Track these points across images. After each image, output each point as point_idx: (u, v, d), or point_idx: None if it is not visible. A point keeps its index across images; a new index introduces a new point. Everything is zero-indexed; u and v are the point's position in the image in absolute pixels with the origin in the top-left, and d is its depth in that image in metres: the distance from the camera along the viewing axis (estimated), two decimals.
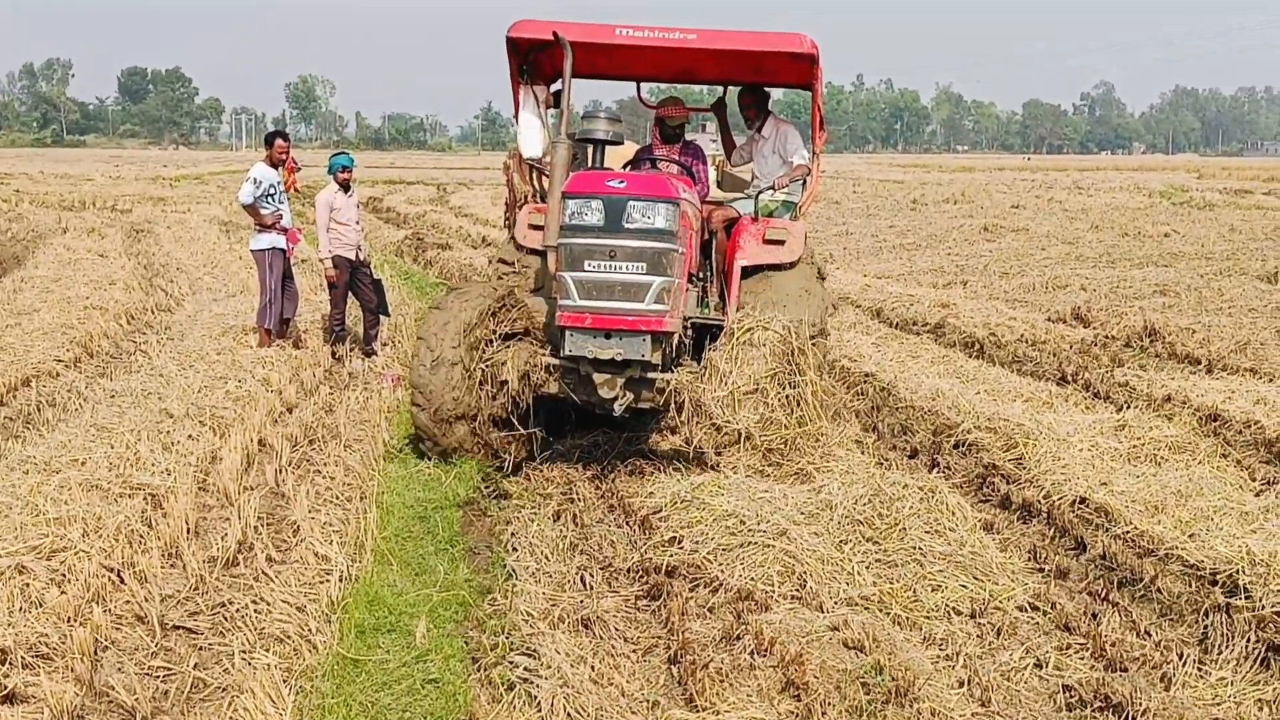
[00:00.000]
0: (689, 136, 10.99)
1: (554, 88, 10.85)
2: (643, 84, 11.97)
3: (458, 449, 9.06)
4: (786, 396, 8.66)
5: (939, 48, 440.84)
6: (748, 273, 9.77)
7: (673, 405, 8.77)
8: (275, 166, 13.05)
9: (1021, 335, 14.75)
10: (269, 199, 12.86)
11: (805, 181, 10.37)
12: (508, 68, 10.19)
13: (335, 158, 13.46)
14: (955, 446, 9.78)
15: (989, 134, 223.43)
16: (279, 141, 13.23)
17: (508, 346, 9.07)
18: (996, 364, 13.24)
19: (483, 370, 8.98)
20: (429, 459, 9.18)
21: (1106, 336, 14.65)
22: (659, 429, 9.98)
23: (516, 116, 10.52)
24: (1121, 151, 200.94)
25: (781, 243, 9.75)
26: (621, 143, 9.99)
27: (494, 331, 9.13)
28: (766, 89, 11.02)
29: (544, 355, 9.08)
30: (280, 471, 8.80)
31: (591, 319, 8.58)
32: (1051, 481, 8.53)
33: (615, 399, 8.89)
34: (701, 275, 9.95)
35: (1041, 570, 7.21)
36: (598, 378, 8.81)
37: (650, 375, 8.83)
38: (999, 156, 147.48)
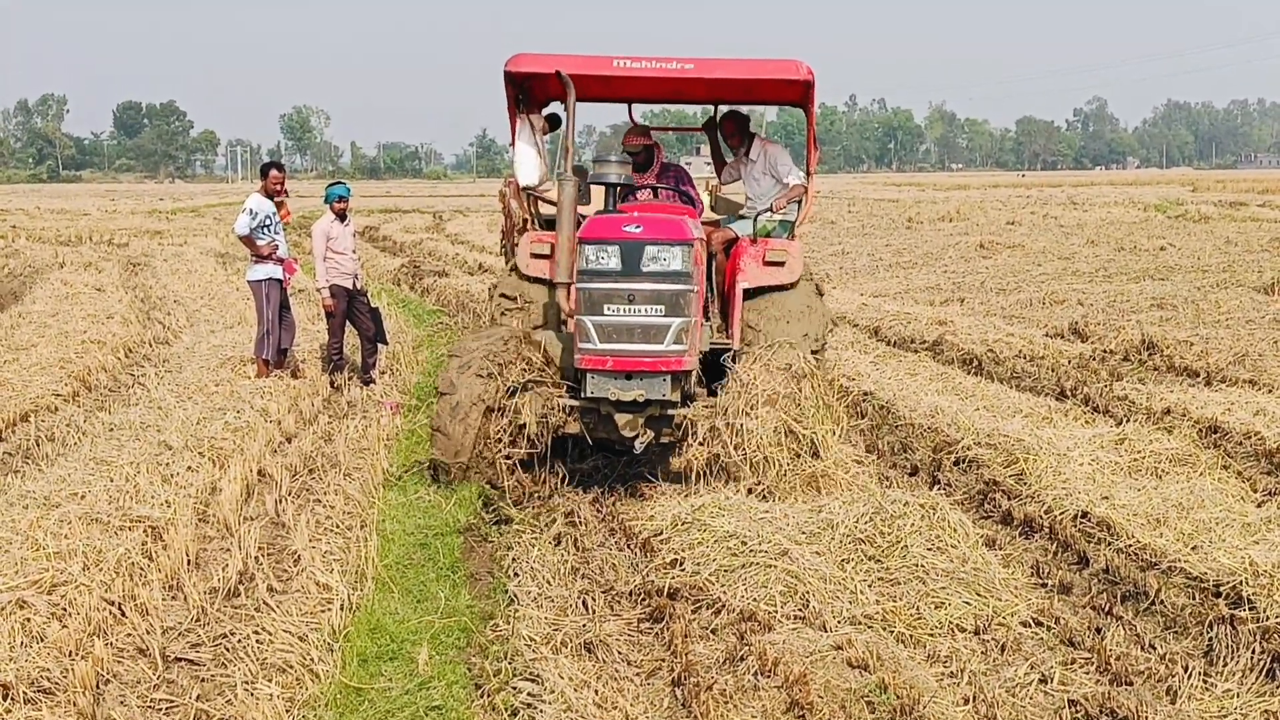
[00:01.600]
0: (685, 160, 11.09)
1: (546, 112, 10.95)
2: (634, 104, 12.02)
3: (469, 456, 8.99)
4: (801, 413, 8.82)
5: (932, 67, 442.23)
6: (749, 294, 9.85)
7: (690, 434, 8.96)
8: (271, 197, 13.07)
9: (1019, 351, 14.76)
10: (265, 230, 12.88)
11: (800, 201, 10.43)
12: (505, 99, 10.25)
13: (332, 188, 13.47)
14: (955, 463, 9.78)
15: (983, 151, 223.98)
16: (274, 172, 13.25)
17: (524, 390, 9.10)
18: (995, 380, 13.24)
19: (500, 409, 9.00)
20: (429, 485, 9.16)
21: (1104, 351, 14.67)
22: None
23: (513, 145, 10.54)
24: (1116, 166, 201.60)
25: (781, 264, 9.86)
26: (634, 185, 10.09)
27: (511, 380, 9.09)
28: (747, 114, 11.19)
29: (561, 397, 9.16)
30: (280, 501, 8.79)
31: (613, 362, 8.71)
32: (1053, 496, 8.53)
33: (636, 437, 8.99)
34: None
35: (1044, 585, 7.20)
36: (619, 418, 8.90)
37: (670, 412, 8.98)
38: (993, 174, 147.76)
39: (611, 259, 8.68)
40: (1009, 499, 8.74)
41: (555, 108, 11.17)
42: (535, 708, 5.44)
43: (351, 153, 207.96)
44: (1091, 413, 11.33)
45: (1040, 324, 17.11)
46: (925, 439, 10.53)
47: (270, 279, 12.90)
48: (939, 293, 21.46)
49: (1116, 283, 21.73)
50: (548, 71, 9.56)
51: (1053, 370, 13.57)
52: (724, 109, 11.22)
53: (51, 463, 9.73)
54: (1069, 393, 12.18)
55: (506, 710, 5.49)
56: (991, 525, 8.40)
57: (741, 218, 10.63)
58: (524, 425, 9.01)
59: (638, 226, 8.78)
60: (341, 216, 13.22)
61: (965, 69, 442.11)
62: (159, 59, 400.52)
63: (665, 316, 8.63)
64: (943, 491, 8.92)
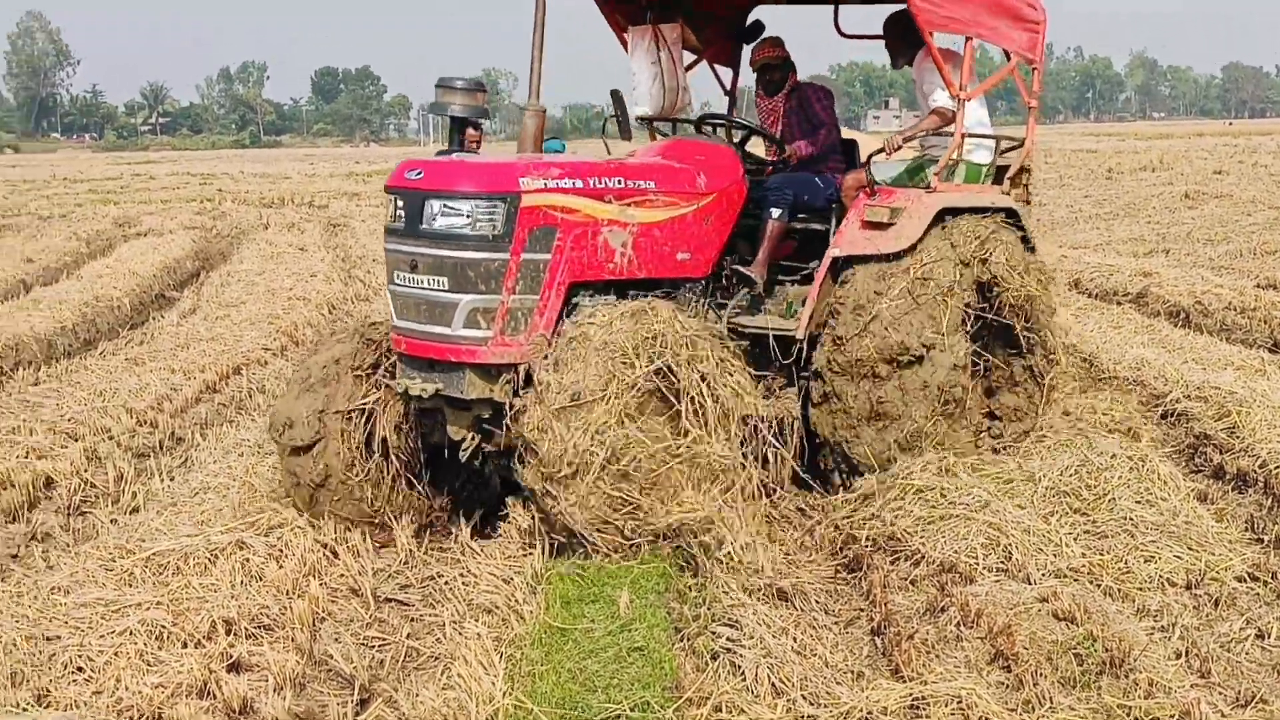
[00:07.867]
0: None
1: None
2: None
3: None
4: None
5: (1132, 13, 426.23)
6: (841, 265, 7.75)
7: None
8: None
9: (1229, 303, 14.16)
10: None
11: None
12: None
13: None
14: (1164, 416, 9.46)
15: (1186, 99, 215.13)
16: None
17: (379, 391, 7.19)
18: (1204, 332, 12.77)
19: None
20: None
21: None
22: None
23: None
24: None
25: (884, 226, 7.51)
26: (480, 120, 8.44)
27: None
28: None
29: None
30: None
31: (406, 344, 6.82)
32: (1268, 450, 8.18)
33: (461, 442, 6.96)
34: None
35: (1260, 540, 6.94)
36: (448, 414, 6.94)
37: (502, 415, 6.76)
38: (1198, 122, 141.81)
39: (399, 214, 6.78)
40: (1221, 453, 8.42)
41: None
42: (735, 652, 5.46)
43: None
44: None
45: (1251, 275, 16.40)
46: (1131, 392, 10.20)
47: None
48: (1142, 244, 20.75)
49: None
50: None
51: (1265, 322, 12.99)
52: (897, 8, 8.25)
53: (263, 413, 10.09)
54: None
55: (707, 653, 5.53)
56: (1203, 479, 8.12)
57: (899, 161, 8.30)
58: (384, 439, 7.17)
59: (418, 172, 6.81)
60: None
61: (1168, 13, 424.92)
62: (354, 25, 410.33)
63: (449, 292, 6.58)
64: (1151, 445, 8.65)
